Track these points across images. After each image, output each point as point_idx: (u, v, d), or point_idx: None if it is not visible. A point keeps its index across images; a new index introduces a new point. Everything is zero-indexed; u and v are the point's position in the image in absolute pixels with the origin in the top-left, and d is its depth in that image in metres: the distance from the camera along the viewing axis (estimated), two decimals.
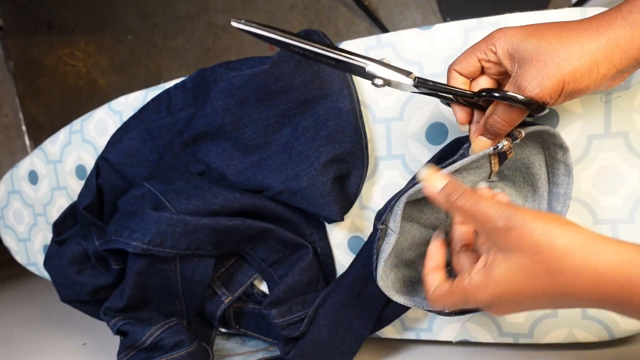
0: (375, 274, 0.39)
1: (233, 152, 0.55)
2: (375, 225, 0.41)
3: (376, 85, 0.36)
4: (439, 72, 0.49)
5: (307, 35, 0.52)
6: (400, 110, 0.51)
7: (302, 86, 0.52)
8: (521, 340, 0.50)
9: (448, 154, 0.42)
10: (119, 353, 0.56)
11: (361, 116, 0.52)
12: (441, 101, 0.41)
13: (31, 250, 0.80)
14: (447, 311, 0.40)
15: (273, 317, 0.52)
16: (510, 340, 0.51)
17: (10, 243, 0.83)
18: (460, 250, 0.35)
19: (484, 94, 0.35)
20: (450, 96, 0.37)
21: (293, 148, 0.52)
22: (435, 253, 0.36)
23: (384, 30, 1.24)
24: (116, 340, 0.57)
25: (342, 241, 0.56)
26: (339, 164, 0.51)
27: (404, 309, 0.51)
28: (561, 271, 0.25)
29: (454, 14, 1.20)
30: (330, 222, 0.55)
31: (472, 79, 0.38)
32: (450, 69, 0.38)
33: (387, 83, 0.36)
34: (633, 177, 0.43)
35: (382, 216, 0.40)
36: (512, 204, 0.29)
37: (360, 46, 0.52)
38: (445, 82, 0.37)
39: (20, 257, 0.83)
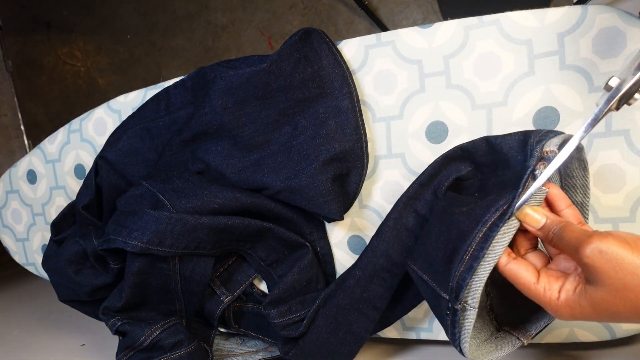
0: (464, 353, 0.36)
1: (232, 151, 0.55)
2: (448, 304, 0.36)
3: (637, 100, 0.32)
4: (438, 71, 0.49)
5: (307, 34, 0.51)
6: (400, 108, 0.51)
7: (301, 85, 0.51)
8: None
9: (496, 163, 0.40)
10: (117, 353, 0.55)
11: (361, 115, 0.51)
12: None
13: (30, 250, 0.80)
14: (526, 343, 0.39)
15: (272, 317, 0.52)
16: None
17: (8, 243, 0.82)
18: (525, 253, 0.35)
19: None
20: None
21: (293, 147, 0.52)
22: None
23: (384, 29, 1.24)
24: (115, 340, 0.57)
25: (341, 240, 0.56)
26: (338, 163, 0.51)
27: (405, 310, 0.51)
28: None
29: (455, 12, 1.19)
30: (330, 221, 0.55)
31: None
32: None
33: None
34: (634, 176, 0.43)
35: (459, 294, 0.35)
36: (594, 234, 0.29)
37: (359, 44, 0.52)
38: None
39: (18, 257, 0.82)
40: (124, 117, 0.65)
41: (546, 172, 0.33)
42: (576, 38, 0.43)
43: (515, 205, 0.34)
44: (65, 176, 0.73)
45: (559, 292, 0.31)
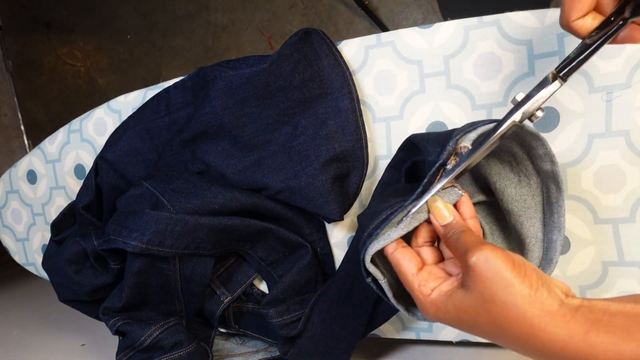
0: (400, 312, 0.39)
1: (232, 151, 0.55)
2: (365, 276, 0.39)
3: (539, 117, 0.33)
4: (438, 71, 0.49)
5: (307, 34, 0.51)
6: (400, 109, 0.51)
7: (301, 85, 0.51)
8: None
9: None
10: (117, 353, 0.55)
11: (361, 115, 0.51)
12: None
13: (30, 250, 0.80)
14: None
15: (271, 317, 0.52)
16: None
17: (8, 243, 0.82)
18: (422, 245, 0.36)
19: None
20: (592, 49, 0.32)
21: (293, 147, 0.52)
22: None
23: (384, 29, 1.24)
24: (115, 340, 0.57)
25: (341, 240, 0.56)
26: (338, 163, 0.51)
27: None
28: (507, 329, 0.27)
29: (455, 13, 1.19)
30: (330, 221, 0.55)
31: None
32: (568, 24, 0.32)
33: (541, 109, 0.33)
34: (634, 176, 0.43)
35: (362, 268, 0.38)
36: (488, 244, 0.29)
37: (359, 45, 0.52)
38: (580, 47, 0.32)
39: (18, 257, 0.82)
40: (124, 117, 0.65)
41: (455, 169, 0.35)
42: (577, 39, 0.43)
43: (417, 193, 0.36)
44: (65, 176, 0.73)
45: (432, 290, 0.31)
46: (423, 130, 0.50)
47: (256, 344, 0.62)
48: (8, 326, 0.85)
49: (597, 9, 0.31)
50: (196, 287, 0.56)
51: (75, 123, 0.70)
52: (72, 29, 1.63)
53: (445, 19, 1.20)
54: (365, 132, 0.51)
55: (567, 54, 0.44)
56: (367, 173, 0.53)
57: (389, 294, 0.37)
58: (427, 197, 0.35)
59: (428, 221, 0.36)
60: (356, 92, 0.51)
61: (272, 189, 0.52)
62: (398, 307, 0.38)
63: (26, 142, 1.74)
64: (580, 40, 0.33)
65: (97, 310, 0.58)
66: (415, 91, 0.50)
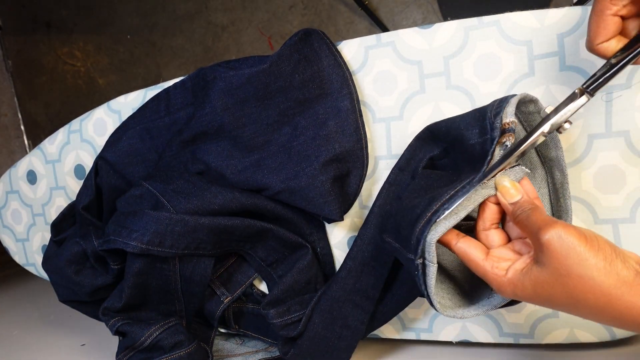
0: (436, 307, 0.37)
1: (232, 152, 0.55)
2: (408, 258, 0.37)
3: (566, 129, 0.35)
4: (438, 72, 0.49)
5: (306, 34, 0.51)
6: (400, 109, 0.51)
7: (301, 85, 0.51)
8: (522, 341, 0.50)
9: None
10: (117, 353, 0.55)
11: (361, 115, 0.51)
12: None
13: (30, 250, 0.80)
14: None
15: (271, 317, 0.52)
16: (510, 340, 0.51)
17: (8, 243, 0.82)
18: (489, 227, 0.36)
19: None
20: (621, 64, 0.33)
21: (292, 147, 0.52)
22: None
23: (384, 29, 1.24)
24: (115, 340, 0.57)
25: (341, 241, 0.56)
26: (338, 164, 0.51)
27: (401, 305, 0.51)
28: (583, 300, 0.28)
29: (455, 13, 1.19)
30: (330, 221, 0.55)
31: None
32: (593, 47, 0.35)
33: (569, 121, 0.35)
34: (634, 177, 0.43)
35: (417, 248, 0.36)
36: (560, 221, 0.30)
37: (359, 45, 0.52)
38: (606, 66, 0.34)
39: (18, 258, 0.82)
40: (124, 118, 0.65)
41: (517, 147, 0.35)
42: (576, 39, 0.43)
43: (484, 171, 0.35)
44: (65, 176, 0.73)
45: (507, 270, 0.32)
46: None
47: (256, 344, 0.62)
48: (8, 326, 0.85)
49: (622, 32, 0.34)
50: (196, 287, 0.56)
51: (75, 123, 0.70)
52: (72, 29, 1.63)
53: (445, 19, 1.20)
54: (365, 133, 0.51)
55: (566, 55, 0.44)
56: (367, 173, 0.53)
57: (431, 282, 0.36)
58: (495, 172, 0.35)
59: (492, 202, 0.36)
60: (356, 92, 0.51)
61: (272, 189, 0.52)
62: (434, 298, 0.37)
63: (26, 142, 1.74)
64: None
65: (97, 311, 0.58)
66: (415, 91, 0.50)
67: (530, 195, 0.36)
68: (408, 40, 0.49)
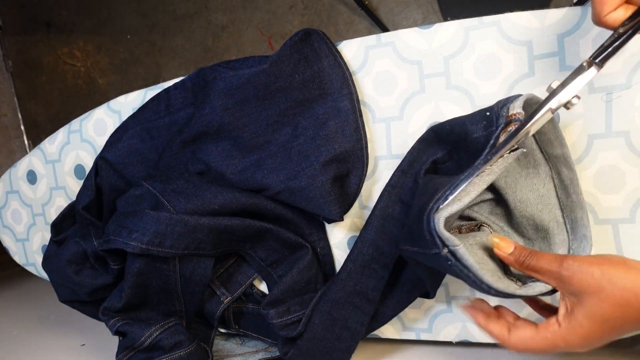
0: (492, 289, 0.35)
1: (232, 152, 0.55)
2: (433, 254, 0.36)
3: (574, 104, 0.34)
4: (438, 72, 0.49)
5: (306, 35, 0.51)
6: (400, 109, 0.51)
7: (301, 85, 0.51)
8: None
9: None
10: (117, 353, 0.55)
11: (361, 115, 0.51)
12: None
13: (29, 250, 0.80)
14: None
15: (271, 317, 0.52)
16: None
17: (8, 243, 0.82)
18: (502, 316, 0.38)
19: None
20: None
21: (293, 148, 0.52)
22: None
23: (385, 29, 1.24)
24: (115, 340, 0.57)
25: (341, 241, 0.56)
26: (338, 164, 0.51)
27: (401, 306, 0.51)
28: (626, 303, 0.29)
29: (455, 13, 1.19)
30: (330, 222, 0.55)
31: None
32: (600, 19, 0.33)
33: (577, 96, 0.34)
34: (634, 177, 0.43)
35: (434, 242, 0.35)
36: (567, 255, 0.32)
37: (359, 45, 0.52)
38: (613, 36, 0.33)
39: (18, 258, 0.82)
40: (124, 118, 0.65)
41: (519, 130, 0.35)
42: (576, 39, 0.43)
43: (486, 154, 0.35)
44: (65, 176, 0.73)
45: (557, 322, 0.33)
46: (423, 131, 0.50)
47: (256, 344, 0.62)
48: (8, 326, 0.85)
49: (628, 0, 0.33)
50: (196, 287, 0.56)
51: (75, 123, 0.70)
52: (72, 29, 1.63)
53: (445, 19, 1.20)
54: (365, 133, 0.51)
55: (566, 55, 0.44)
56: (367, 173, 0.53)
57: (470, 260, 0.33)
58: (499, 155, 0.35)
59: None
60: (356, 92, 0.51)
61: (272, 189, 0.52)
62: (485, 277, 0.34)
63: (26, 142, 1.74)
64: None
65: (97, 311, 0.58)
66: (415, 92, 0.50)
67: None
68: (408, 40, 0.49)
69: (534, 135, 0.40)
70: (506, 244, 0.35)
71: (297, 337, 0.53)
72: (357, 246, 0.50)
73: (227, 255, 0.60)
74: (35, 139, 1.72)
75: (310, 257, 0.54)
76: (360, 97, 0.52)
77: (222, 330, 0.66)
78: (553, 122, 0.39)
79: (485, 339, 0.52)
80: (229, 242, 0.55)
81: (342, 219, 0.52)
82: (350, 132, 0.51)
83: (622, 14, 0.33)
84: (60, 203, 0.74)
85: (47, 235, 0.77)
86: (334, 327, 0.51)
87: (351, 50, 0.52)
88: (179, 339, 0.54)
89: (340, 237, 0.56)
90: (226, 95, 0.54)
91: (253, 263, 0.59)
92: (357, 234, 0.55)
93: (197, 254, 0.54)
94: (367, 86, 0.52)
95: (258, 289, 0.62)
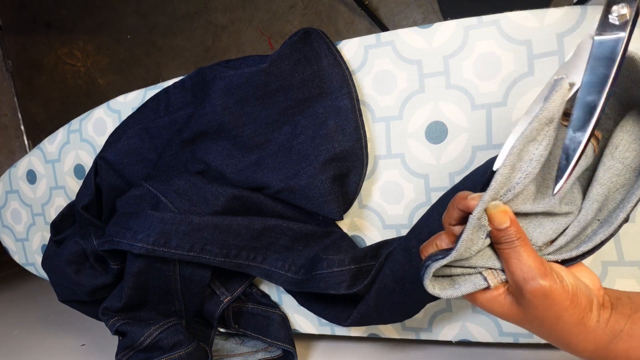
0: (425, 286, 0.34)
1: (232, 151, 0.55)
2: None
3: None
4: (438, 71, 0.48)
5: (306, 34, 0.51)
6: (400, 109, 0.51)
7: (301, 85, 0.51)
8: (521, 340, 0.50)
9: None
10: (117, 353, 0.55)
11: (361, 115, 0.51)
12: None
13: (29, 250, 0.80)
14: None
15: (348, 263, 0.50)
16: (510, 339, 0.51)
17: (8, 243, 0.82)
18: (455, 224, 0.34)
19: None
20: None
21: (292, 147, 0.52)
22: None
23: (384, 29, 1.24)
24: (115, 340, 0.57)
25: None
26: (338, 163, 0.51)
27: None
28: (548, 336, 0.31)
29: (455, 12, 1.19)
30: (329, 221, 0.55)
31: None
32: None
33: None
34: None
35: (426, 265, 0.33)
36: (549, 273, 0.29)
37: (359, 44, 0.52)
38: None
39: (18, 257, 0.82)
40: (124, 117, 0.65)
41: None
42: (576, 38, 0.43)
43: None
44: (65, 176, 0.73)
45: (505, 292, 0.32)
46: (422, 130, 0.50)
47: (256, 344, 0.62)
48: (8, 326, 0.85)
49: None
50: (196, 287, 0.56)
51: (74, 123, 0.70)
52: (72, 28, 1.63)
53: (445, 18, 1.20)
54: (364, 132, 0.51)
55: (566, 54, 0.44)
56: (367, 173, 0.53)
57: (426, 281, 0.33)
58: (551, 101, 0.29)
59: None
60: (356, 91, 0.51)
61: (272, 188, 0.52)
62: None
63: (26, 142, 1.74)
64: None
65: (97, 311, 0.58)
66: (415, 91, 0.50)
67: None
68: (408, 39, 0.49)
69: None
70: (501, 220, 0.30)
71: (361, 295, 0.50)
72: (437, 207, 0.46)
73: None
74: (35, 139, 1.73)
75: (341, 233, 0.54)
76: (359, 97, 0.52)
77: (222, 330, 0.66)
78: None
79: (485, 338, 0.52)
80: (237, 248, 0.53)
81: (341, 218, 0.52)
82: (350, 131, 0.51)
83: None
84: (60, 203, 0.74)
85: (47, 235, 0.77)
86: (404, 281, 0.47)
87: (351, 49, 0.52)
88: (178, 339, 0.54)
89: None
90: (226, 94, 0.54)
91: (278, 280, 0.54)
92: (357, 233, 0.55)
93: (203, 258, 0.52)
94: (366, 85, 0.52)
95: (258, 289, 0.62)
